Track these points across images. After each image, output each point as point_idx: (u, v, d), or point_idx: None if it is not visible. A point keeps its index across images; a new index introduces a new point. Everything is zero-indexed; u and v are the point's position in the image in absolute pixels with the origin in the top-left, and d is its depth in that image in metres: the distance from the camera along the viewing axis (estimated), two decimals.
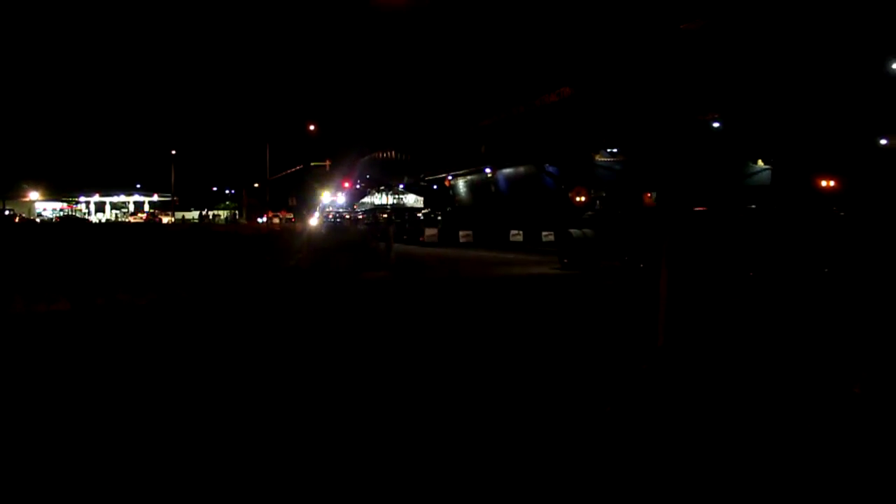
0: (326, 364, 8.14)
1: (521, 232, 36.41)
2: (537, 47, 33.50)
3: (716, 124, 28.69)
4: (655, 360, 7.77)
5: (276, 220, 73.47)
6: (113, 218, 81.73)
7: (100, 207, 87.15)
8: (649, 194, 22.97)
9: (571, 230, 24.16)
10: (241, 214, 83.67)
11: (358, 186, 70.70)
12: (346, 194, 72.60)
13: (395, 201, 51.89)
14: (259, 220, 74.00)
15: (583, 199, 27.90)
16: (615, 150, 32.46)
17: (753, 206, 18.82)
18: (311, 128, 57.66)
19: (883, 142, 24.80)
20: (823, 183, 22.97)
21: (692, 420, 6.07)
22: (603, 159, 32.26)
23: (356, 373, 7.70)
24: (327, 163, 72.14)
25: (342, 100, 69.89)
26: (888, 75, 24.84)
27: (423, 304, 13.97)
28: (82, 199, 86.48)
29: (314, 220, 46.64)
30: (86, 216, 79.56)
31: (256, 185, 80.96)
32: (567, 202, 28.90)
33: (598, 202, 26.23)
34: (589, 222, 24.51)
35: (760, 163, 30.35)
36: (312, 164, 64.12)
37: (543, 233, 34.71)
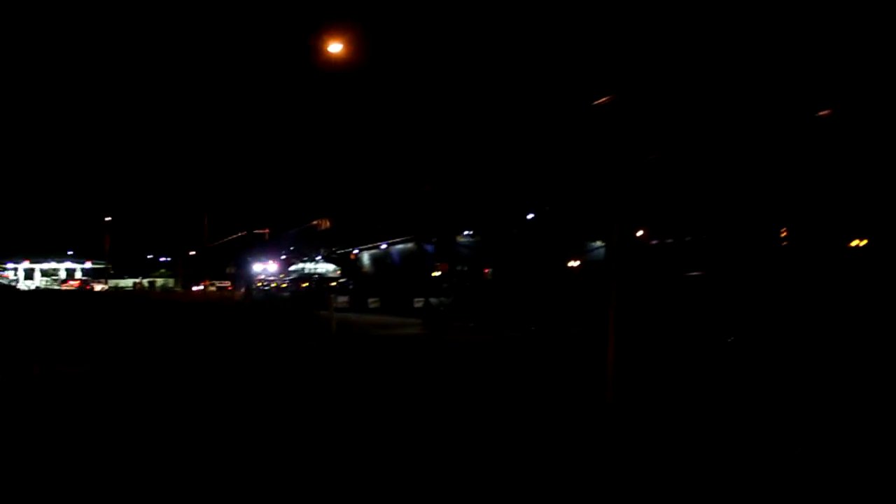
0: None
1: (422, 299, 40.76)
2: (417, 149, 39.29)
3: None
4: (606, 415, 8.48)
5: (213, 289, 75.69)
6: (43, 285, 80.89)
7: (29, 274, 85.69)
8: (487, 269, 27.59)
9: (431, 298, 29.10)
10: (177, 282, 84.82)
11: (284, 257, 73.95)
12: (278, 263, 74.75)
13: (316, 270, 55.79)
14: (195, 288, 75.37)
15: (439, 273, 32.75)
16: (472, 232, 37.66)
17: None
18: (251, 197, 60.12)
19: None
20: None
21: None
22: (463, 239, 37.37)
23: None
24: (266, 231, 74.91)
25: (280, 170, 72.98)
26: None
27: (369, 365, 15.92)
28: (10, 265, 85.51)
29: (250, 288, 49.65)
30: (13, 283, 78.67)
31: (193, 252, 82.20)
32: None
33: (453, 276, 31.09)
34: (446, 291, 29.49)
35: (598, 242, 35.74)
36: (254, 231, 66.73)
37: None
